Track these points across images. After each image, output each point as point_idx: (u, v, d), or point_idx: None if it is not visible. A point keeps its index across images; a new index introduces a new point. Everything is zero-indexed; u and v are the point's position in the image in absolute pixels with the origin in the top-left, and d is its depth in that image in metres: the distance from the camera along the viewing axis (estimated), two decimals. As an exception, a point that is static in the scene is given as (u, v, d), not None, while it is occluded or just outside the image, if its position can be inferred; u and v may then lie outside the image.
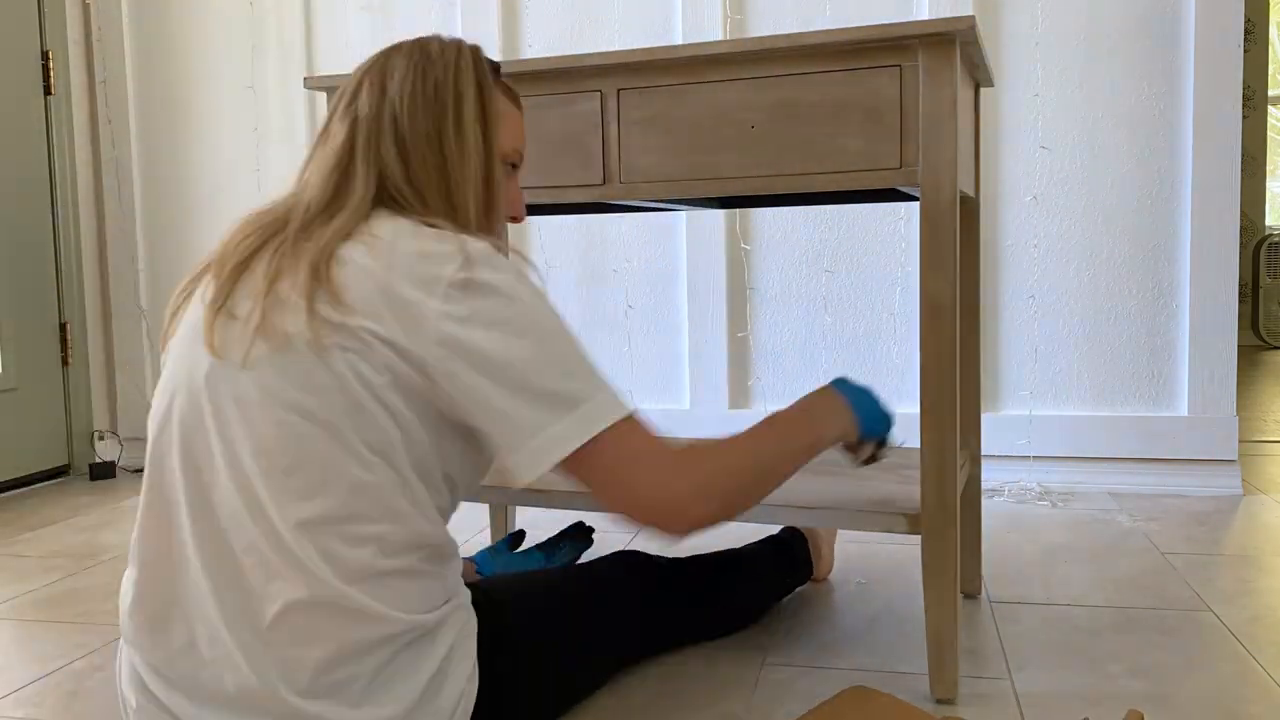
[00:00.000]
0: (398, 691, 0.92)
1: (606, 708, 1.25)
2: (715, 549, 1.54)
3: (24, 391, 2.67)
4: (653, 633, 1.38)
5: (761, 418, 1.04)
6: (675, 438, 1.01)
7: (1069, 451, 2.34)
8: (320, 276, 0.90)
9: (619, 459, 0.91)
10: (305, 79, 1.47)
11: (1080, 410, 2.36)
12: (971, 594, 1.62)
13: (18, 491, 2.62)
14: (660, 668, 1.37)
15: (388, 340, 0.89)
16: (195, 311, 0.97)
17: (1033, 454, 2.35)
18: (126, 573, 0.98)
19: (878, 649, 1.42)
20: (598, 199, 1.35)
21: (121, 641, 0.98)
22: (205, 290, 0.97)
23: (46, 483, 2.72)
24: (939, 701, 1.25)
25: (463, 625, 1.00)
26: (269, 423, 0.89)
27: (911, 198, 1.58)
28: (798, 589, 1.65)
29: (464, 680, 0.99)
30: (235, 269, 0.95)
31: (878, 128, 1.21)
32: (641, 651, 1.37)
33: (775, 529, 1.69)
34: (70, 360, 2.80)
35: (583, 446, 0.90)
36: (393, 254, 0.90)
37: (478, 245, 0.92)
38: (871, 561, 1.80)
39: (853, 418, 1.13)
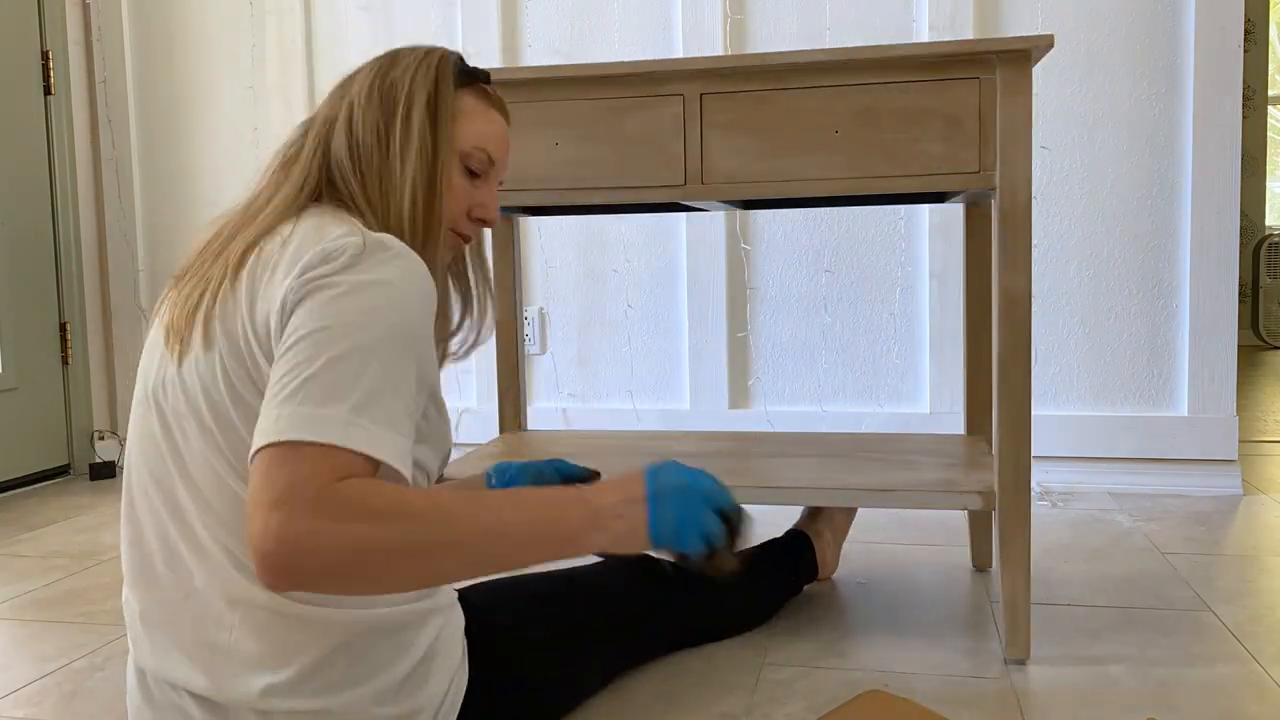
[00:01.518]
0: (376, 679, 0.93)
1: (606, 708, 1.25)
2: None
3: (24, 391, 2.67)
4: (651, 635, 1.37)
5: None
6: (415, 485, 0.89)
7: (1069, 451, 2.34)
8: (202, 306, 0.92)
9: (285, 478, 0.77)
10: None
11: (1080, 410, 2.36)
12: (983, 567, 1.75)
13: (18, 491, 2.62)
14: (660, 668, 1.37)
15: (249, 326, 0.89)
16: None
17: (1033, 454, 2.35)
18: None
19: (877, 649, 1.42)
20: (678, 199, 1.40)
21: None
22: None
23: (46, 483, 2.72)
24: (1010, 661, 1.35)
25: (447, 620, 1.01)
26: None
27: (933, 198, 1.61)
28: (805, 588, 1.65)
29: (450, 674, 0.99)
30: (179, 276, 0.99)
31: (958, 134, 1.31)
32: (639, 654, 1.37)
33: (769, 532, 1.69)
34: (70, 360, 2.80)
35: (278, 444, 0.78)
36: (286, 253, 0.90)
37: (375, 239, 0.89)
38: (872, 561, 1.80)
39: (644, 522, 0.88)
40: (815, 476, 1.45)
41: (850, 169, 1.33)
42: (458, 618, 1.03)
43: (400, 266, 0.89)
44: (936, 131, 1.31)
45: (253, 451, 0.80)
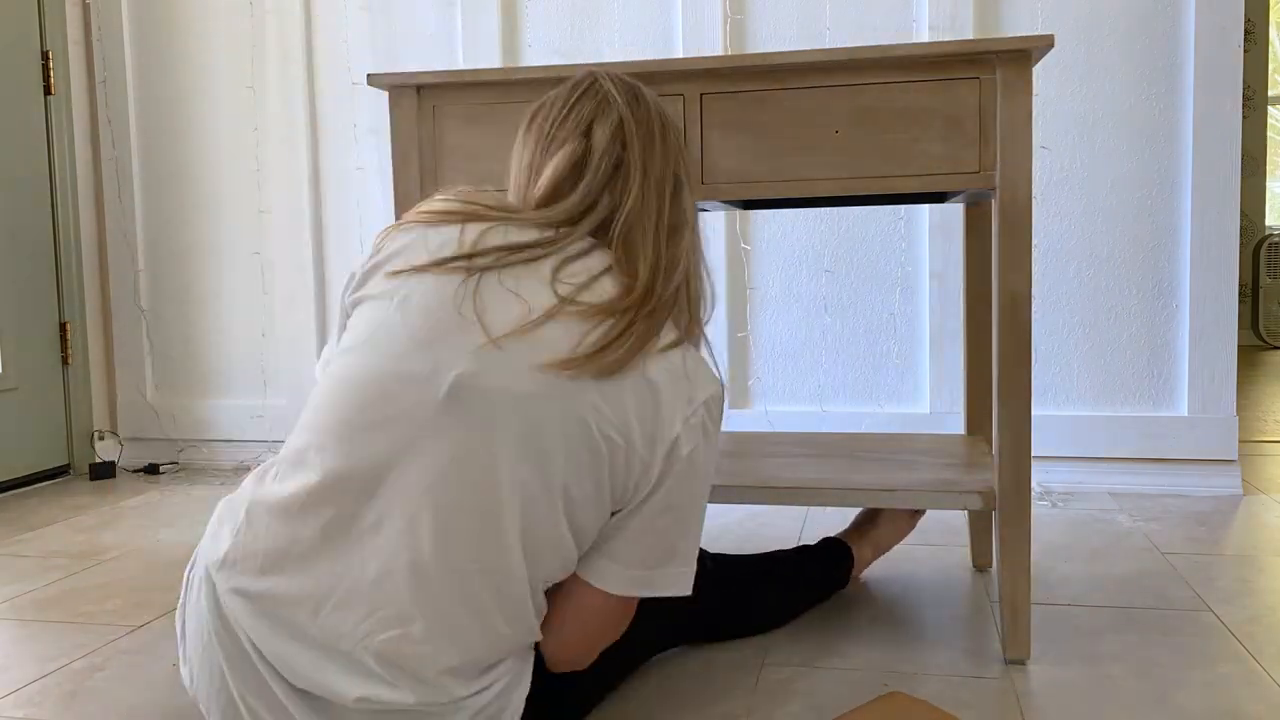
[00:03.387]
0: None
1: (606, 707, 1.25)
2: (761, 551, 1.58)
3: (24, 391, 2.67)
4: (681, 626, 1.39)
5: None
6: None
7: (1069, 451, 2.34)
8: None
9: (616, 628, 1.09)
10: (369, 76, 1.45)
11: (1080, 410, 2.36)
12: (983, 567, 1.74)
13: (18, 491, 2.62)
14: (660, 668, 1.37)
15: None
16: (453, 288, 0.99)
17: (1033, 454, 2.35)
18: None
19: (878, 649, 1.42)
20: None
21: None
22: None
23: (46, 483, 2.72)
24: (1010, 661, 1.35)
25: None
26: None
27: (932, 198, 1.62)
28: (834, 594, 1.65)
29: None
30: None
31: (958, 134, 1.31)
32: (671, 642, 1.39)
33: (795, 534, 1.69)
34: (70, 360, 2.80)
35: (623, 599, 1.05)
36: (664, 375, 1.06)
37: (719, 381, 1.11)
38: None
39: None
40: (815, 476, 1.46)
41: (850, 169, 1.33)
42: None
43: None
44: (936, 131, 1.31)
45: (599, 583, 1.03)
